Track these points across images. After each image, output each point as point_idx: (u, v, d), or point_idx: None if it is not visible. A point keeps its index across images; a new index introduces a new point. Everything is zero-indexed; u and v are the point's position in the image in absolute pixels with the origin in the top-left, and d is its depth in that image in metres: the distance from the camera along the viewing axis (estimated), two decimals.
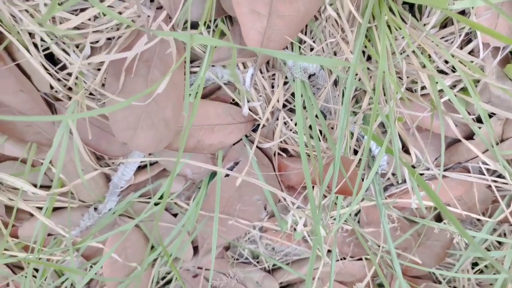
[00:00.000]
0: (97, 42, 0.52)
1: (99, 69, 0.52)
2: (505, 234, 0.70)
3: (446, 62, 0.50)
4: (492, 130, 0.50)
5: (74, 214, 0.68)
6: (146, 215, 0.64)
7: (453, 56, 0.47)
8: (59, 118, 0.55)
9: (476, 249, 0.41)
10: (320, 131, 0.58)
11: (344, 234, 0.69)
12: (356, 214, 0.71)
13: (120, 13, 0.48)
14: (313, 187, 0.59)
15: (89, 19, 0.50)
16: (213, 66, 0.55)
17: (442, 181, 0.61)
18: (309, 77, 0.55)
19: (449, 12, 0.40)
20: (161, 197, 0.67)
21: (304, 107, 0.54)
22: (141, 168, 0.65)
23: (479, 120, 0.57)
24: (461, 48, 0.50)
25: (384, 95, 0.49)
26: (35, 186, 0.60)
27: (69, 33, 0.48)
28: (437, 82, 0.48)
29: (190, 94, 0.49)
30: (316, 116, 0.53)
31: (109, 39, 0.53)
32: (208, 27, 0.52)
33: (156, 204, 0.66)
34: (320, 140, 0.56)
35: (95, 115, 0.53)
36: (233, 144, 0.62)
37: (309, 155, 0.52)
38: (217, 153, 0.59)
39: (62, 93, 0.56)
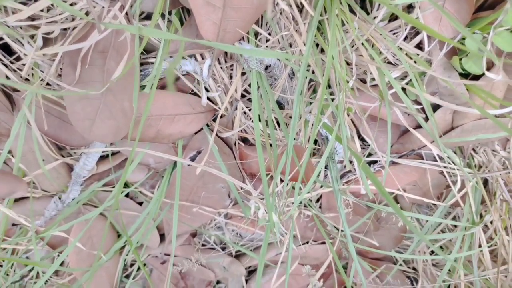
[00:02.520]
0: (52, 32, 0.51)
1: (53, 60, 0.52)
2: (458, 217, 0.73)
3: (395, 54, 0.52)
4: (436, 122, 0.52)
5: (38, 204, 0.68)
6: (109, 204, 0.64)
7: (400, 48, 0.49)
8: None
9: (426, 231, 0.43)
10: (278, 121, 0.59)
11: (306, 219, 0.71)
12: (317, 200, 0.73)
13: (72, 4, 0.48)
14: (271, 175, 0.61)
15: (42, 10, 0.50)
16: (170, 57, 0.55)
17: (394, 168, 0.64)
18: (266, 68, 0.57)
19: (392, 8, 0.41)
20: (125, 186, 0.68)
21: (262, 98, 0.55)
22: (103, 157, 0.66)
23: (434, 108, 0.59)
24: (410, 40, 0.52)
25: (336, 85, 0.50)
26: None
27: (21, 24, 0.48)
28: (385, 75, 0.50)
29: (145, 86, 0.49)
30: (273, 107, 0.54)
31: (65, 29, 0.53)
32: (164, 17, 0.52)
33: (122, 192, 0.67)
34: (276, 129, 0.58)
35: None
36: (195, 133, 0.63)
37: (266, 144, 0.53)
38: (177, 143, 0.60)
39: (18, 84, 0.55)
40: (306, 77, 0.53)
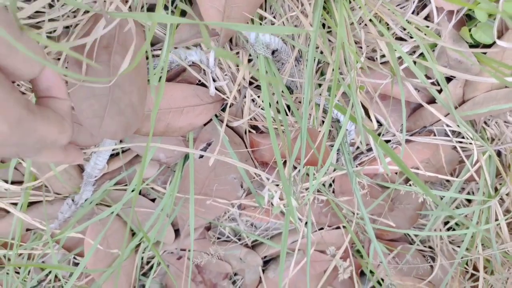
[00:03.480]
0: (54, 31, 0.51)
1: (59, 59, 0.51)
2: (473, 192, 0.73)
3: (404, 29, 0.51)
4: (450, 94, 0.52)
5: (51, 207, 0.68)
6: (123, 202, 0.64)
7: (409, 22, 0.48)
8: None
9: (442, 207, 0.43)
10: (288, 106, 0.59)
11: (320, 205, 0.71)
12: (330, 185, 0.73)
13: None
14: (285, 161, 0.61)
15: (44, 7, 0.49)
16: (175, 48, 0.54)
17: (407, 146, 0.64)
18: (273, 53, 0.56)
19: None
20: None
21: (271, 84, 0.54)
22: (114, 156, 0.65)
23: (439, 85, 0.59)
24: (417, 14, 0.51)
25: (346, 65, 0.50)
26: (6, 182, 0.59)
27: (23, 23, 0.47)
28: (395, 50, 0.49)
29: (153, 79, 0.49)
30: (283, 91, 0.54)
31: (67, 27, 0.52)
32: (167, 9, 0.51)
33: (133, 190, 0.67)
34: (287, 115, 0.57)
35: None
36: (204, 125, 0.63)
37: (278, 130, 0.53)
38: (188, 135, 0.60)
39: (25, 86, 0.55)
40: (315, 58, 0.52)
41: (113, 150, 0.62)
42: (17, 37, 0.27)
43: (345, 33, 0.47)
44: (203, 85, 0.58)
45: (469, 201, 0.76)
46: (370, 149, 0.66)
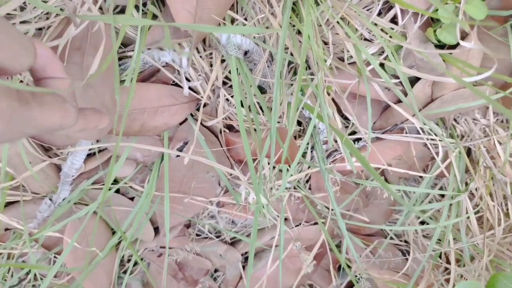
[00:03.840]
0: (27, 33, 0.51)
1: None
2: (445, 188, 0.75)
3: (371, 30, 0.53)
4: (416, 94, 0.53)
5: (29, 207, 0.68)
6: (98, 201, 0.65)
7: (376, 24, 0.50)
8: None
9: (413, 202, 0.44)
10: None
11: (296, 201, 0.72)
12: (307, 181, 0.74)
13: (45, 1, 0.48)
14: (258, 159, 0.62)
15: (15, 10, 0.49)
16: (149, 49, 0.55)
17: (380, 143, 0.65)
18: (246, 53, 0.57)
19: None
20: (114, 182, 0.69)
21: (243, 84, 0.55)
22: (91, 155, 0.66)
23: (413, 81, 0.61)
24: (384, 15, 0.53)
25: (315, 66, 0.51)
26: None
27: None
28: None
29: (125, 79, 0.49)
30: (255, 91, 0.55)
31: (39, 29, 0.52)
32: (139, 9, 0.52)
33: (110, 189, 0.68)
34: (260, 114, 0.58)
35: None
36: (180, 124, 0.63)
37: (250, 129, 0.54)
38: (163, 135, 0.60)
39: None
40: (285, 59, 0.54)
41: (90, 149, 0.63)
42: None
43: (312, 34, 0.48)
44: (178, 85, 0.59)
45: (442, 196, 0.79)
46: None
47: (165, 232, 0.76)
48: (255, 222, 0.49)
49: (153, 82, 0.58)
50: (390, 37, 0.49)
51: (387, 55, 0.54)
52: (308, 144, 0.65)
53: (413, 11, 0.50)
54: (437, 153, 0.67)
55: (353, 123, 0.61)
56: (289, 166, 0.55)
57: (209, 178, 0.69)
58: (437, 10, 0.52)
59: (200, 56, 0.57)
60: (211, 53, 0.57)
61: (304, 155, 0.67)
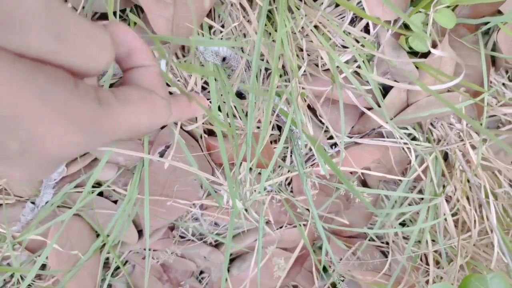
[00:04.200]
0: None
1: None
2: (424, 191, 0.76)
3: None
4: (384, 104, 0.54)
5: (13, 210, 0.69)
6: (81, 204, 0.65)
7: (349, 33, 0.51)
8: None
9: (369, 206, 0.45)
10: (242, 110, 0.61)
11: (278, 204, 0.73)
12: (289, 184, 0.75)
13: None
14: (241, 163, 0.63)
15: None
16: None
17: (358, 148, 0.66)
18: (224, 59, 0.58)
19: None
20: (97, 185, 0.69)
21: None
22: (73, 159, 0.66)
23: (389, 86, 0.62)
24: (358, 22, 0.54)
25: (290, 72, 0.52)
26: None
27: None
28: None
29: (103, 85, 0.50)
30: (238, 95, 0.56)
31: None
32: (120, 17, 0.53)
33: (93, 192, 0.68)
34: (240, 119, 0.59)
35: None
36: (161, 129, 0.64)
37: (228, 135, 0.55)
38: (143, 139, 0.61)
39: None
40: (263, 66, 0.55)
41: None
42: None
43: (286, 41, 0.49)
44: None
45: (422, 198, 0.80)
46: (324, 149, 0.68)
47: (149, 234, 0.77)
48: (231, 226, 0.51)
49: None
50: (363, 45, 0.50)
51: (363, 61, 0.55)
52: (287, 148, 0.66)
53: (384, 20, 0.52)
54: (416, 157, 0.68)
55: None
56: (269, 169, 0.56)
57: (191, 181, 0.70)
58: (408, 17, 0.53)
59: (180, 62, 0.58)
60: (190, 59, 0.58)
61: (284, 158, 0.68)
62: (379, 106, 0.62)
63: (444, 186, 0.70)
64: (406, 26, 0.57)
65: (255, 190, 0.62)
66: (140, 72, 0.26)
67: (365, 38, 0.51)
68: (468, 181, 0.68)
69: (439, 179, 0.68)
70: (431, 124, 0.68)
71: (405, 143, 0.64)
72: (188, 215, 0.78)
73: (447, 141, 0.67)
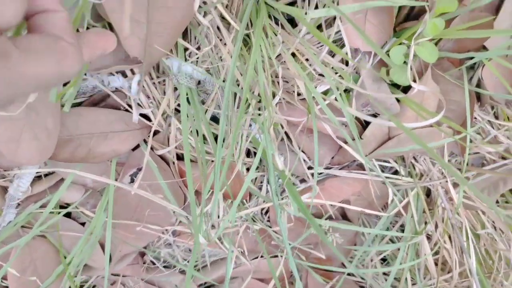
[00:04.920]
0: None
1: None
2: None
3: (325, 66, 0.52)
4: (359, 141, 0.52)
5: None
6: (45, 226, 0.62)
7: (328, 63, 0.49)
8: None
9: (331, 246, 0.43)
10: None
11: (253, 234, 0.70)
12: (266, 212, 0.72)
13: None
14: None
15: None
16: (98, 73, 0.54)
17: (338, 180, 0.64)
18: (199, 82, 0.56)
19: (306, 23, 0.41)
20: (66, 205, 0.66)
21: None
22: (40, 178, 0.63)
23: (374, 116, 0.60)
24: (335, 55, 0.52)
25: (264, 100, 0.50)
26: None
27: None
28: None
29: (65, 105, 0.48)
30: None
31: None
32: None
33: (59, 213, 0.65)
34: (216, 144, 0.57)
35: None
36: (133, 150, 0.62)
37: (202, 161, 0.52)
38: (111, 163, 0.59)
39: None
40: (236, 92, 0.52)
41: (37, 172, 0.61)
42: None
43: (261, 68, 0.47)
44: (130, 110, 0.57)
45: (403, 231, 0.77)
46: (303, 180, 0.66)
47: (117, 259, 0.73)
48: (192, 259, 0.48)
49: (103, 106, 0.57)
50: (341, 76, 0.48)
51: (344, 90, 0.53)
52: (264, 176, 0.64)
53: (364, 50, 0.50)
54: (398, 190, 0.66)
55: (310, 158, 0.59)
56: (245, 200, 0.54)
57: (164, 206, 0.67)
58: (389, 50, 0.51)
59: (153, 83, 0.56)
60: (164, 80, 0.56)
61: (261, 187, 0.66)
62: (360, 137, 0.59)
63: (425, 223, 0.68)
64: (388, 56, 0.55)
65: (230, 221, 0.59)
66: (45, 18, 0.24)
67: (343, 69, 0.49)
68: (448, 220, 0.65)
69: (420, 216, 0.65)
70: (414, 158, 0.65)
71: (386, 177, 0.62)
72: (160, 241, 0.74)
73: (429, 176, 0.65)
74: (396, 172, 0.67)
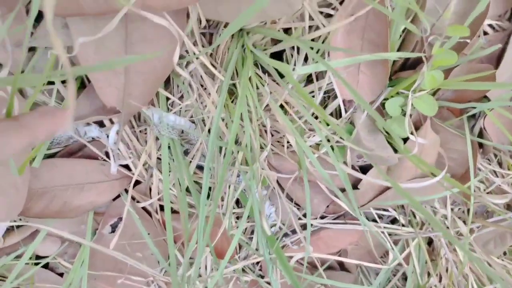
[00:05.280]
0: None
1: None
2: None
3: (316, 117, 0.48)
4: (353, 196, 0.48)
5: None
6: (20, 280, 0.58)
7: (317, 117, 0.46)
8: None
9: None
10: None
11: (245, 286, 0.65)
12: (258, 262, 0.68)
13: None
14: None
15: None
16: (74, 124, 0.50)
17: (334, 228, 0.60)
18: (182, 131, 0.52)
19: (291, 79, 0.38)
20: (40, 256, 0.62)
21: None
22: (13, 228, 0.59)
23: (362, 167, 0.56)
24: (332, 101, 0.48)
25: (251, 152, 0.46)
26: None
27: None
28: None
29: (34, 159, 0.44)
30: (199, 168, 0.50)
31: None
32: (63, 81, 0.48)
33: (36, 264, 0.61)
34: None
35: None
36: (113, 200, 0.58)
37: (181, 217, 0.48)
38: (87, 217, 0.55)
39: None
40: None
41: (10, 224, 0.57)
42: None
43: (247, 120, 0.44)
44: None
45: (405, 279, 0.72)
46: (294, 231, 0.62)
47: None
48: None
49: (80, 157, 0.53)
50: (332, 132, 0.45)
51: (337, 141, 0.50)
52: (254, 225, 0.59)
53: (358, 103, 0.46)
54: (396, 242, 0.62)
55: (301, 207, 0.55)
56: (225, 260, 0.49)
57: (148, 256, 0.63)
58: (386, 99, 0.48)
59: (134, 132, 0.52)
60: (145, 129, 0.52)
61: (251, 238, 0.61)
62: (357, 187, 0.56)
63: (428, 275, 0.63)
64: (384, 106, 0.51)
65: (218, 282, 0.55)
66: None
67: (336, 122, 0.46)
68: (452, 274, 0.60)
69: (422, 268, 0.61)
70: None
71: (385, 227, 0.58)
72: None
73: (431, 225, 0.60)
74: (395, 220, 0.63)
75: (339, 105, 0.48)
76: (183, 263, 0.45)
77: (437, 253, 0.62)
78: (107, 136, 0.50)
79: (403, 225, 0.60)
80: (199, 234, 0.43)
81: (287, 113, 0.46)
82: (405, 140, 0.51)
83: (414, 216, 0.61)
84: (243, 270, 0.66)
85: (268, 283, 0.67)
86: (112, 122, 0.51)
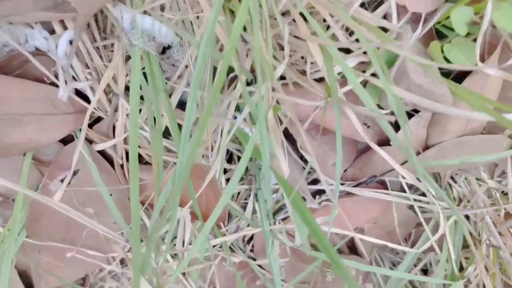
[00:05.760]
0: None
1: None
2: (430, 264, 0.56)
3: (350, 34, 0.35)
4: (410, 133, 0.36)
5: None
6: None
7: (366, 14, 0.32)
8: None
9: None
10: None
11: (230, 268, 0.52)
12: (249, 241, 0.54)
13: None
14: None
15: None
16: (11, 23, 0.36)
17: (351, 200, 0.47)
18: (164, 51, 0.38)
19: None
20: None
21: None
22: None
23: (396, 123, 0.43)
24: (373, 11, 0.35)
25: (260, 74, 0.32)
26: None
27: None
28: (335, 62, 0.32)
29: None
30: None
31: None
32: None
33: None
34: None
35: None
36: (66, 145, 0.43)
37: (153, 164, 0.34)
38: (22, 161, 0.40)
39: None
40: (217, 62, 0.35)
41: None
42: None
43: (258, 27, 0.30)
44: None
45: (425, 271, 0.60)
46: (303, 198, 0.48)
47: None
48: None
49: (18, 76, 0.38)
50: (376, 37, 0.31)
51: (372, 74, 0.36)
52: (250, 190, 0.46)
53: (413, 10, 0.33)
54: (427, 220, 0.49)
55: (313, 169, 0.42)
56: (209, 224, 0.36)
57: (110, 224, 0.49)
58: (448, 17, 0.35)
59: (96, 47, 0.38)
60: (112, 44, 0.38)
61: (245, 205, 0.48)
62: (386, 144, 0.43)
63: (462, 265, 0.51)
64: (437, 32, 0.39)
65: (198, 252, 0.41)
66: None
67: (385, 30, 0.32)
68: (497, 260, 0.48)
69: (458, 254, 0.48)
70: (451, 177, 0.49)
71: (418, 200, 0.45)
72: (103, 272, 0.55)
73: (472, 203, 0.48)
74: (422, 195, 0.51)
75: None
76: (150, 225, 0.31)
77: (476, 239, 0.49)
78: (56, 47, 0.36)
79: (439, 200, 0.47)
80: (177, 183, 0.29)
81: (315, 18, 0.32)
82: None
83: (451, 190, 0.49)
84: (230, 249, 0.52)
85: (260, 266, 0.54)
86: (65, 28, 0.37)
